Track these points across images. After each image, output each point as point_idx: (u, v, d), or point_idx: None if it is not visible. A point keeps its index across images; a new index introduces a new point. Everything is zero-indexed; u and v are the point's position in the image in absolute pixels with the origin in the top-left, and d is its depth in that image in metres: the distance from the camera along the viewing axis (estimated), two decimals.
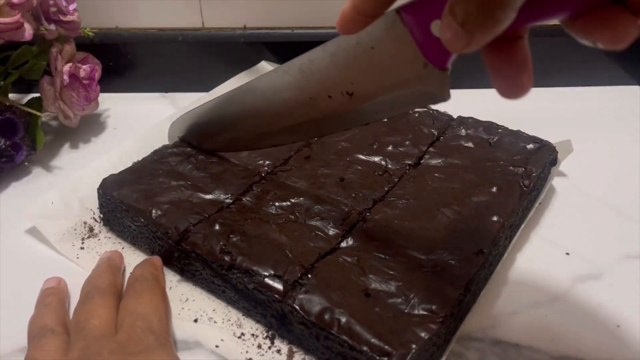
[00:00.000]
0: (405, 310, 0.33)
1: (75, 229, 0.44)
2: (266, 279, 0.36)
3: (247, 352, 0.35)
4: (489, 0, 0.22)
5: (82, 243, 0.43)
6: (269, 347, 0.36)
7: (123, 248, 0.43)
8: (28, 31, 0.49)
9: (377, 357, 0.31)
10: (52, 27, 0.52)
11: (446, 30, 0.24)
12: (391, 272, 0.36)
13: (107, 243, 0.44)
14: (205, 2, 0.61)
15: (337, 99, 0.35)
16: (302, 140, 0.43)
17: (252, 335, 0.37)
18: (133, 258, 0.42)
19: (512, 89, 0.26)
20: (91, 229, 0.44)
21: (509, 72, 0.26)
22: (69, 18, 0.53)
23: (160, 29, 0.63)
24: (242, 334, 0.37)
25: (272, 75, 0.39)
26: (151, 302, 0.35)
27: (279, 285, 0.35)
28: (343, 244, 0.38)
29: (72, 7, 0.54)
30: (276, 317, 0.36)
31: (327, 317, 0.33)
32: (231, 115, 0.43)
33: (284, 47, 0.62)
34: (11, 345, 0.36)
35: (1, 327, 0.38)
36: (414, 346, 0.31)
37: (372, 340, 0.32)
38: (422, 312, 0.33)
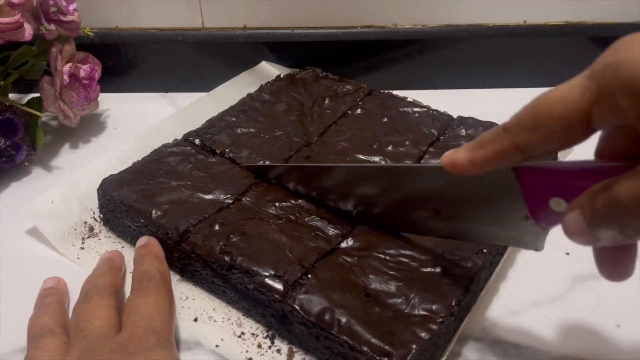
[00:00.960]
0: (406, 311, 0.33)
1: (75, 229, 0.44)
2: (266, 279, 0.36)
3: (247, 351, 0.35)
4: (630, 224, 0.22)
5: (83, 243, 0.43)
6: (269, 347, 0.36)
7: (123, 247, 0.43)
8: (28, 31, 0.49)
9: (377, 357, 0.31)
10: (52, 27, 0.52)
11: (573, 222, 0.24)
12: (391, 273, 0.36)
13: (107, 243, 0.44)
14: (205, 2, 0.61)
15: (421, 213, 0.35)
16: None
17: (252, 334, 0.37)
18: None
19: (617, 274, 0.27)
20: (91, 229, 0.44)
21: (615, 259, 0.26)
22: (69, 18, 0.53)
23: (160, 29, 0.63)
24: (242, 333, 0.37)
25: (388, 168, 0.38)
26: (156, 301, 0.35)
27: (279, 286, 0.35)
28: (343, 244, 0.38)
29: (72, 7, 0.53)
30: (276, 317, 0.36)
31: (327, 317, 0.33)
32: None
33: (284, 47, 0.62)
34: (11, 345, 0.37)
35: (1, 327, 0.38)
36: (414, 346, 0.31)
37: (372, 340, 0.32)
38: (422, 312, 0.33)
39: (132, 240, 0.43)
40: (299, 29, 0.61)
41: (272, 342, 0.36)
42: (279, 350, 0.35)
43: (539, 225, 0.29)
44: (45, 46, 0.53)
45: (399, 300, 0.34)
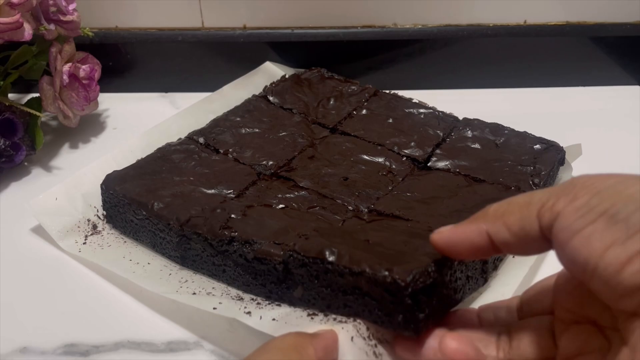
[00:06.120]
0: (407, 252, 0.32)
1: (78, 227, 0.44)
2: (265, 247, 0.35)
3: (245, 307, 0.35)
4: None
5: (85, 239, 0.43)
6: (268, 304, 0.36)
7: (125, 242, 0.43)
8: (28, 31, 0.49)
9: (378, 274, 0.30)
10: (52, 27, 0.51)
11: None
12: (394, 230, 0.36)
13: (110, 238, 0.43)
14: (205, 2, 0.61)
15: None
16: None
17: (252, 299, 0.37)
18: (136, 253, 0.42)
19: None
20: (94, 227, 0.44)
21: None
22: (68, 18, 0.53)
23: (160, 29, 0.62)
24: (241, 298, 0.37)
25: None
26: None
27: (278, 250, 0.35)
28: (347, 223, 0.39)
29: (71, 7, 0.53)
30: (275, 283, 0.35)
31: (326, 252, 0.33)
32: None
33: (283, 47, 0.62)
34: (11, 345, 0.36)
35: (1, 327, 0.37)
36: (416, 266, 0.30)
37: (373, 263, 0.31)
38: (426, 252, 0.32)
39: (134, 236, 0.43)
40: (298, 29, 0.62)
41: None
42: (278, 304, 0.35)
43: None
44: (45, 46, 0.53)
45: (400, 244, 0.33)
